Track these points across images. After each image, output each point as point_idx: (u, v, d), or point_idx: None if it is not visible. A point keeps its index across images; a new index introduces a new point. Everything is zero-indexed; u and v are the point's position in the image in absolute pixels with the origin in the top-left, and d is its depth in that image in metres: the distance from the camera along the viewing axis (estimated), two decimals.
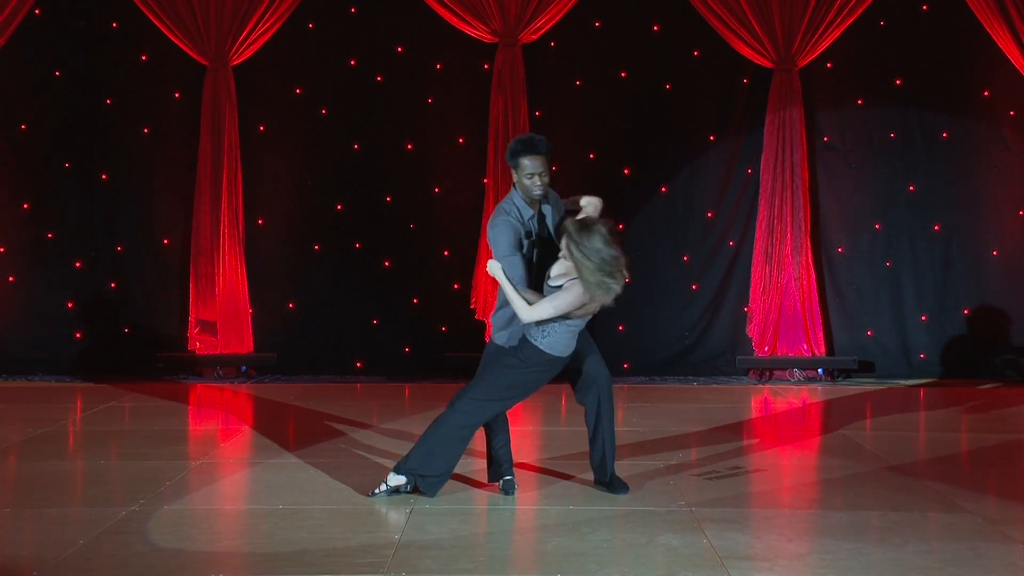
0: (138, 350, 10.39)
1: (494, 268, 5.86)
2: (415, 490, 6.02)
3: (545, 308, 5.71)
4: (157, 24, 10.07)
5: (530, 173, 5.93)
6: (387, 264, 10.43)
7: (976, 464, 7.01)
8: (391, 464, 6.30)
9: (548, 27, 10.11)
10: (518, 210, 5.98)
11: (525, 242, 5.93)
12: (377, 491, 6.04)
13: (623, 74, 10.40)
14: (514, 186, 6.05)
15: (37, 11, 10.15)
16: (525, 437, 7.49)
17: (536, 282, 5.91)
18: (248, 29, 10.05)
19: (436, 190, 10.39)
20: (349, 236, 10.43)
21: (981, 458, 7.16)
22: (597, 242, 5.59)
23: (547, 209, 6.07)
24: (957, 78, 10.30)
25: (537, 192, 5.95)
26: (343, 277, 10.42)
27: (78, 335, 10.43)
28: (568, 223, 5.71)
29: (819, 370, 10.22)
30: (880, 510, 5.85)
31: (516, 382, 5.89)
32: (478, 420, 5.96)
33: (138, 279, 10.45)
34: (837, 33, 10.05)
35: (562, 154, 10.42)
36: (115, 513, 5.73)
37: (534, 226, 6.01)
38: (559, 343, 5.82)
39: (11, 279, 10.40)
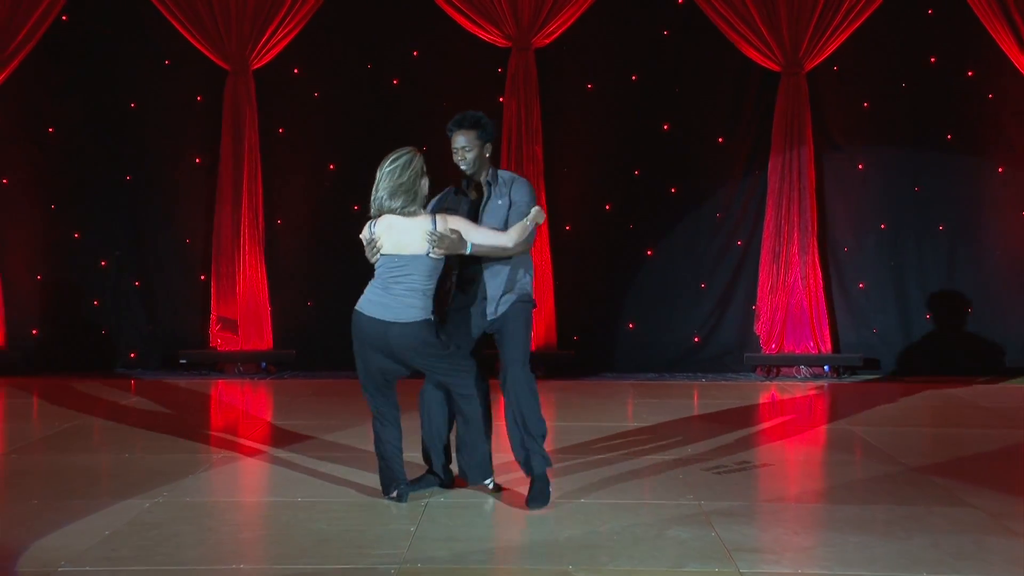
0: (161, 347, 10.56)
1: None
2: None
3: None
4: (180, 30, 10.20)
5: (453, 148, 5.90)
6: None
7: (980, 459, 7.00)
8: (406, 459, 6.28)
9: (560, 32, 10.19)
10: (457, 186, 6.02)
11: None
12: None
13: (634, 78, 10.48)
14: None
15: (64, 17, 10.32)
16: None
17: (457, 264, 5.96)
18: (268, 34, 10.18)
19: None
20: None
21: (985, 453, 7.16)
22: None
23: (500, 199, 5.85)
24: (961, 81, 10.34)
25: (463, 168, 5.90)
26: (360, 276, 10.48)
27: (103, 332, 10.61)
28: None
29: (825, 367, 10.26)
30: (885, 504, 5.88)
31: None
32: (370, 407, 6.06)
33: (161, 278, 10.60)
34: (843, 37, 10.10)
35: (574, 156, 10.51)
36: (139, 505, 5.80)
37: (457, 204, 5.99)
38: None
39: (39, 278, 10.57)
